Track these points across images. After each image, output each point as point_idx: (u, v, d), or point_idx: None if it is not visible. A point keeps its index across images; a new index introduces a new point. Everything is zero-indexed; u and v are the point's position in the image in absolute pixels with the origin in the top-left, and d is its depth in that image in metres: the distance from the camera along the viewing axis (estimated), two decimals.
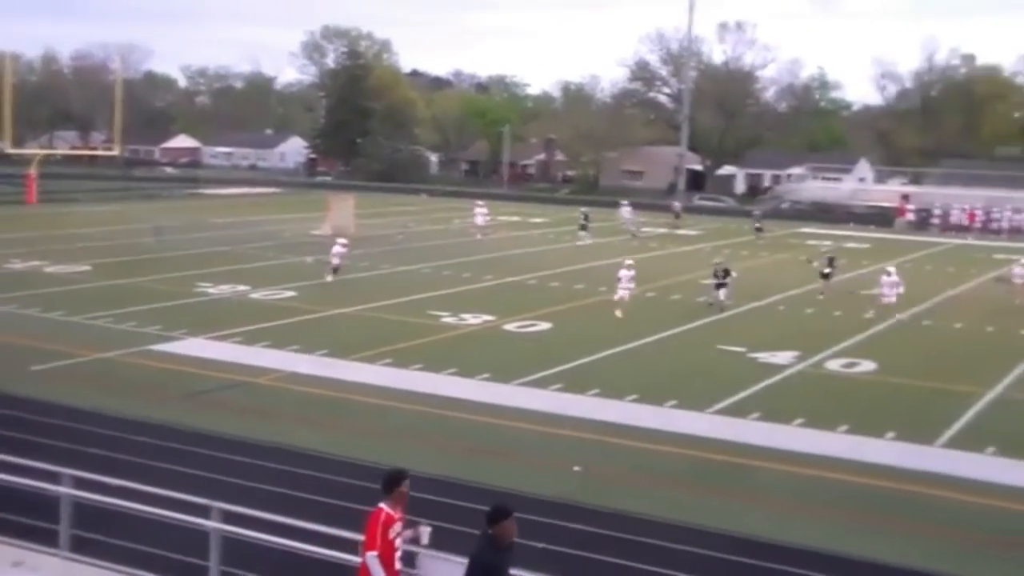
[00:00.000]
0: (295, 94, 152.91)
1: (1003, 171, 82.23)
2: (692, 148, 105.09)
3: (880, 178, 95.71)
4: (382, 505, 10.32)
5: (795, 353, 28.45)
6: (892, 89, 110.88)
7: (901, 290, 34.81)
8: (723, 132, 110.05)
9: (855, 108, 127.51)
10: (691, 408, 22.77)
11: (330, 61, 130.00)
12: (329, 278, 38.27)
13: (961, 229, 71.11)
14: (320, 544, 11.30)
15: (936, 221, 72.81)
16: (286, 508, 12.99)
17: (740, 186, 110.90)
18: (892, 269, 35.09)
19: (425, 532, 10.39)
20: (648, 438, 20.54)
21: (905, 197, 76.91)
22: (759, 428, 21.49)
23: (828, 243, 58.89)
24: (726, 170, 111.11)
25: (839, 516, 16.86)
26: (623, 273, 33.89)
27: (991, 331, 32.63)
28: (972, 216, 72.15)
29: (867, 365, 27.65)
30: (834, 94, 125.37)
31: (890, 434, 21.20)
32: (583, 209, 58.75)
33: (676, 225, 65.82)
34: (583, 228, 55.81)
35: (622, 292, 33.68)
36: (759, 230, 61.41)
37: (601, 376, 25.36)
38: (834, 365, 27.69)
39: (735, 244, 58.07)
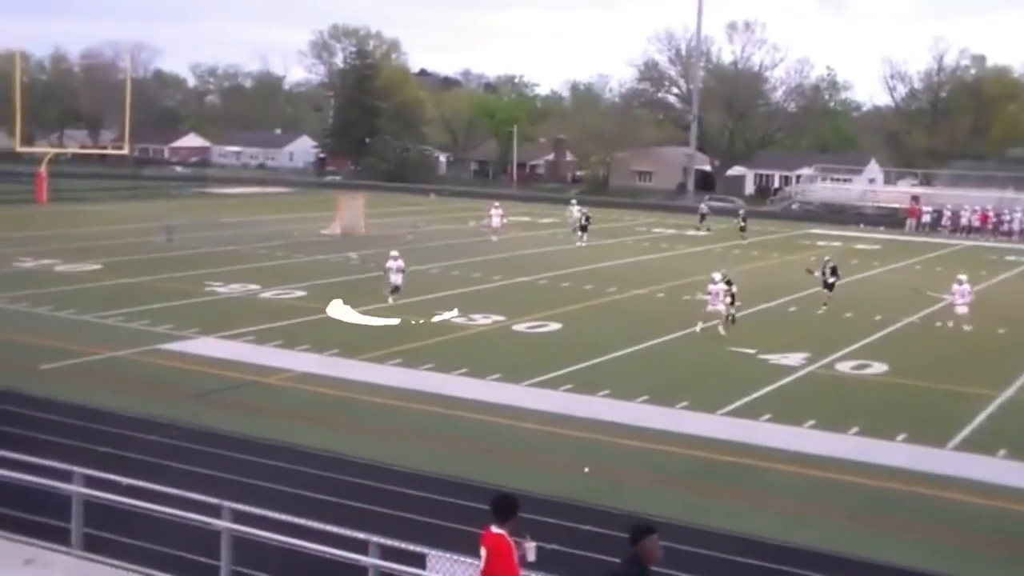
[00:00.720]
0: (304, 93, 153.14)
1: (1013, 172, 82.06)
2: (701, 149, 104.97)
3: (890, 179, 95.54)
4: (503, 532, 9.89)
5: (806, 355, 28.38)
6: (902, 90, 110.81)
7: (970, 299, 33.52)
8: (732, 133, 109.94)
9: (865, 109, 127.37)
10: (701, 409, 22.72)
11: (339, 60, 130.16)
12: (391, 300, 34.00)
13: (971, 230, 70.90)
14: (330, 544, 11.31)
15: (946, 223, 72.60)
16: (296, 508, 13.01)
17: (749, 187, 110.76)
18: (964, 277, 34.10)
19: (531, 548, 10.03)
20: (658, 439, 20.51)
21: (915, 198, 76.73)
22: (769, 429, 21.45)
23: (837, 244, 58.81)
24: (735, 171, 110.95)
25: (849, 518, 16.82)
26: (714, 288, 31.14)
27: (1002, 333, 32.53)
28: (985, 218, 71.84)
29: (878, 367, 27.58)
30: (844, 95, 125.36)
31: (901, 436, 21.14)
32: (584, 210, 58.38)
33: (700, 228, 64.92)
34: (583, 229, 55.45)
35: (718, 306, 31.14)
36: (743, 230, 60.98)
37: (611, 377, 25.33)
38: (845, 367, 27.62)
39: (745, 245, 57.96)
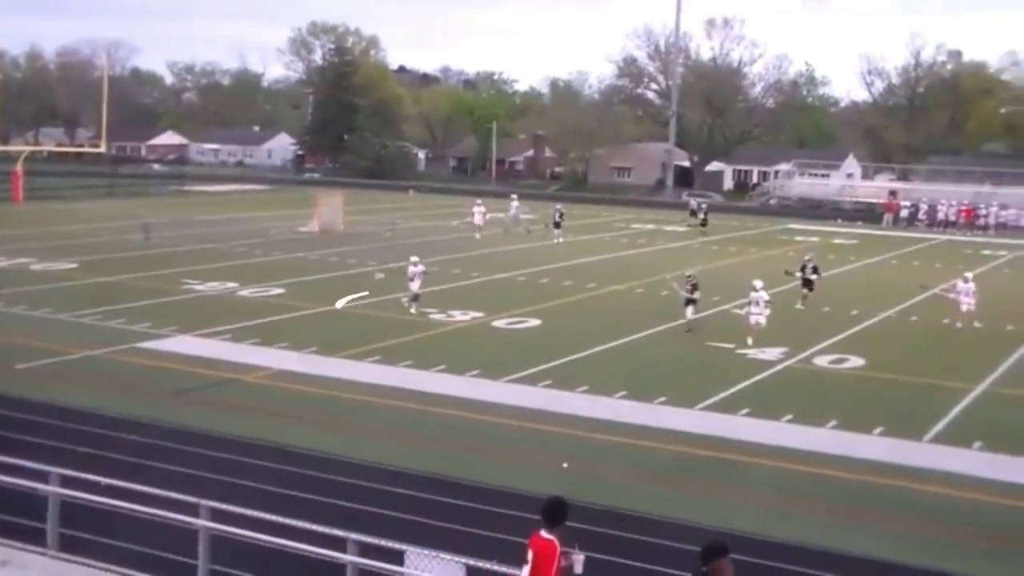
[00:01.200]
0: (282, 91, 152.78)
1: (989, 167, 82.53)
2: (680, 144, 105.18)
3: (868, 174, 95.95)
4: (552, 538, 9.75)
5: (784, 349, 28.48)
6: (879, 85, 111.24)
7: (976, 297, 33.27)
8: (711, 128, 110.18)
9: (843, 104, 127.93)
10: (680, 404, 22.78)
11: (317, 58, 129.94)
12: (413, 310, 32.44)
13: (948, 225, 71.25)
14: (309, 542, 11.29)
15: (923, 217, 72.93)
16: (277, 506, 12.98)
17: (728, 182, 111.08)
18: (969, 275, 34.02)
19: (579, 560, 9.82)
20: (637, 434, 20.56)
21: (893, 193, 77.08)
22: (748, 424, 21.52)
23: (815, 239, 59.03)
24: (714, 166, 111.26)
25: (828, 511, 16.90)
26: (755, 296, 29.89)
27: (978, 327, 32.68)
28: (967, 213, 72.07)
29: (855, 361, 27.70)
30: (822, 90, 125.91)
31: (878, 429, 21.25)
32: (557, 206, 58.32)
33: (692, 223, 64.70)
34: (557, 226, 55.24)
35: (756, 317, 29.69)
36: (704, 224, 61.01)
37: (590, 373, 25.36)
38: (822, 361, 27.74)
39: (721, 240, 58.13)
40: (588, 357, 27.30)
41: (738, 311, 31.72)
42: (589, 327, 31.07)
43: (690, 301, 30.96)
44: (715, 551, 9.00)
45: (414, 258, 33.55)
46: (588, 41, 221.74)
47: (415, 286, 32.88)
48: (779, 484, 18.18)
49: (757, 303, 29.77)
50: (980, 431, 21.35)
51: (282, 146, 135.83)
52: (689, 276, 31.89)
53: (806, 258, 37.54)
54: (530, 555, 9.78)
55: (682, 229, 63.22)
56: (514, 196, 65.44)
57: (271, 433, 19.80)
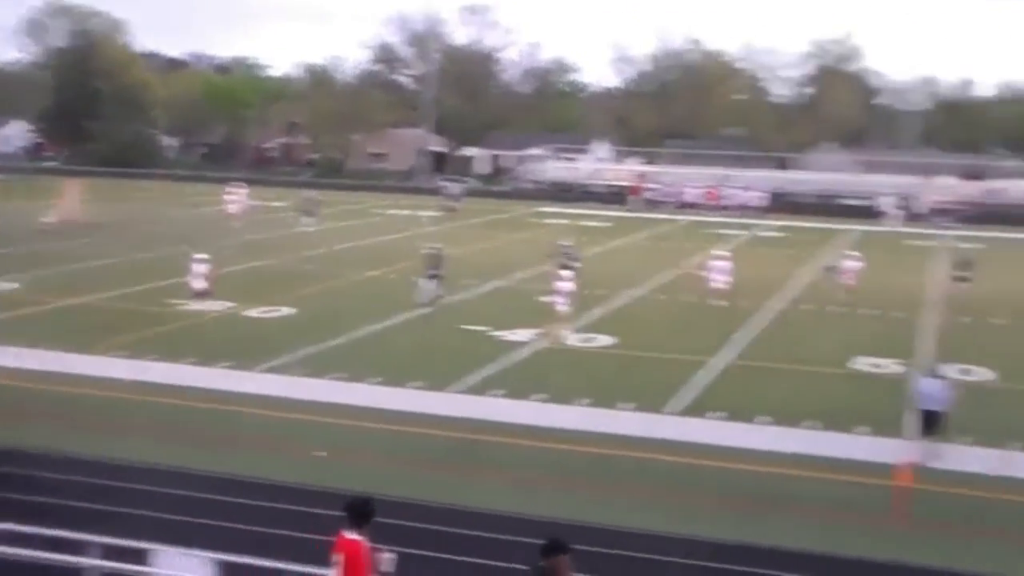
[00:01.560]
0: (17, 74, 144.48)
1: (729, 151, 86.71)
2: (436, 130, 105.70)
3: (617, 158, 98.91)
4: (358, 538, 9.58)
5: (537, 330, 29.05)
6: (629, 72, 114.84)
7: (730, 277, 34.79)
8: (466, 114, 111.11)
9: (594, 90, 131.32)
10: (435, 388, 22.89)
11: (56, 40, 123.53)
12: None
13: (693, 206, 74.34)
14: (47, 548, 10.77)
15: (670, 199, 75.88)
16: (16, 514, 12.31)
17: (483, 167, 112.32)
18: (723, 253, 35.28)
19: (388, 559, 9.71)
20: (393, 420, 20.54)
21: (641, 176, 79.85)
22: (502, 405, 21.83)
23: (566, 222, 60.41)
24: (469, 152, 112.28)
25: (581, 486, 17.33)
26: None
27: (724, 304, 34.06)
28: (711, 194, 75.52)
29: (605, 340, 28.52)
30: (573, 76, 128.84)
31: (627, 404, 21.96)
32: (307, 193, 57.58)
33: (446, 207, 65.12)
34: (308, 213, 54.47)
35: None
36: (452, 209, 61.99)
37: (345, 359, 25.18)
38: (574, 340, 28.44)
39: (475, 224, 58.81)
40: (344, 344, 27.10)
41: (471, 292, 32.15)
42: (344, 313, 30.85)
43: (434, 276, 31.28)
44: (555, 548, 9.05)
45: (199, 255, 32.50)
46: (343, 26, 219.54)
47: (200, 284, 31.78)
48: (533, 462, 18.49)
49: (562, 290, 30.10)
50: (722, 402, 22.38)
51: (18, 133, 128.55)
52: (433, 250, 32.14)
53: (563, 244, 38.29)
54: (338, 558, 9.58)
55: (437, 214, 63.57)
56: (240, 183, 63.15)
57: (11, 437, 18.74)
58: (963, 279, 36.74)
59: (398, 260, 41.49)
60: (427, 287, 31.76)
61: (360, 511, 9.73)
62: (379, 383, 23.15)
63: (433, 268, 32.12)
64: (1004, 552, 15.37)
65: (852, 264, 36.76)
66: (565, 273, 31.22)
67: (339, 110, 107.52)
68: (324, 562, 10.04)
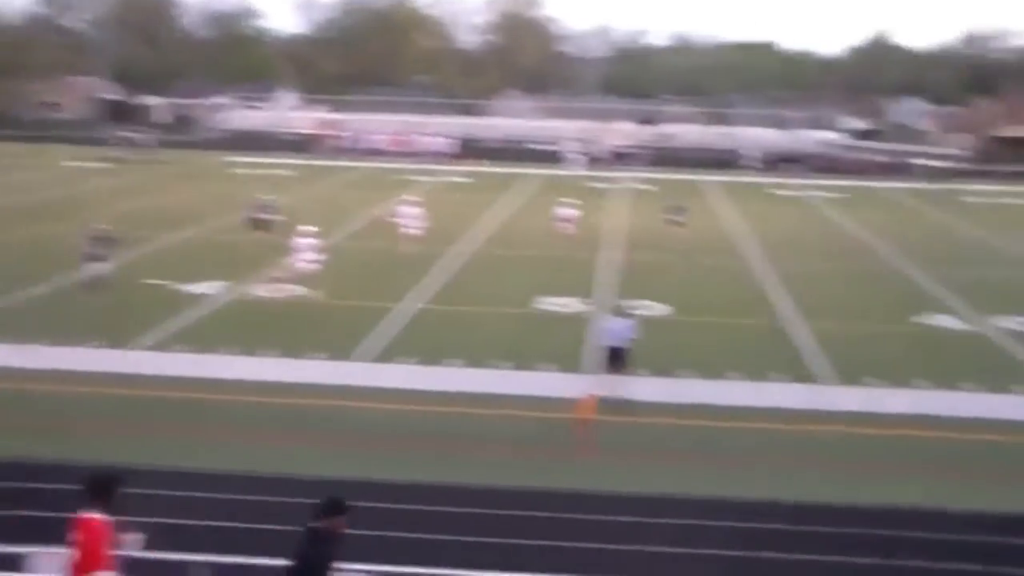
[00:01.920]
0: None
1: (418, 98, 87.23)
2: (116, 79, 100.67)
3: (304, 105, 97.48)
4: (98, 516, 8.82)
5: (224, 283, 28.34)
6: (315, 17, 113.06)
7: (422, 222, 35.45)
8: (145, 61, 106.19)
9: (280, 36, 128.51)
10: (117, 347, 21.94)
11: None
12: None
13: (382, 153, 74.36)
14: None
15: (358, 147, 75.62)
16: None
17: (163, 116, 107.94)
18: (413, 199, 35.52)
19: (135, 539, 9.10)
20: (68, 380, 19.55)
21: (328, 124, 79.09)
22: (187, 360, 21.20)
23: (255, 172, 59.06)
24: (150, 100, 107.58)
25: (271, 438, 17.10)
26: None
27: (418, 249, 34.34)
28: (399, 141, 75.75)
29: (296, 289, 28.08)
30: (259, 23, 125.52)
31: (317, 353, 21.82)
32: None
33: (128, 159, 62.16)
34: None
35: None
36: (121, 160, 60.00)
37: (10, 322, 23.75)
38: (262, 291, 27.92)
39: (160, 176, 56.62)
40: (7, 307, 25.53)
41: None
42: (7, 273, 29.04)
43: (97, 257, 29.44)
44: (334, 507, 8.94)
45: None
46: None
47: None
48: (224, 416, 18.09)
49: (304, 248, 29.03)
50: (412, 347, 22.63)
51: None
52: (99, 232, 29.38)
53: (262, 198, 37.48)
54: (75, 537, 8.94)
55: (113, 166, 60.67)
56: None
57: None
58: (677, 223, 39.45)
59: (67, 216, 39.27)
60: (91, 269, 27.94)
61: (98, 487, 9.10)
62: (48, 344, 21.88)
63: (99, 248, 28.01)
64: (610, 470, 16.30)
65: (568, 211, 39.20)
66: (303, 229, 30.00)
67: (1, 56, 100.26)
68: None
